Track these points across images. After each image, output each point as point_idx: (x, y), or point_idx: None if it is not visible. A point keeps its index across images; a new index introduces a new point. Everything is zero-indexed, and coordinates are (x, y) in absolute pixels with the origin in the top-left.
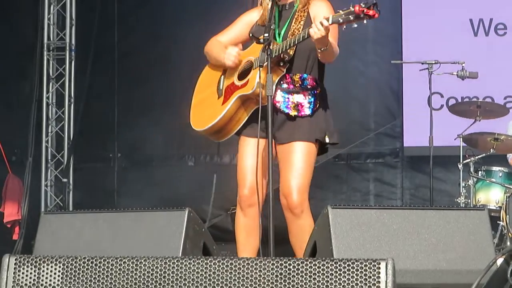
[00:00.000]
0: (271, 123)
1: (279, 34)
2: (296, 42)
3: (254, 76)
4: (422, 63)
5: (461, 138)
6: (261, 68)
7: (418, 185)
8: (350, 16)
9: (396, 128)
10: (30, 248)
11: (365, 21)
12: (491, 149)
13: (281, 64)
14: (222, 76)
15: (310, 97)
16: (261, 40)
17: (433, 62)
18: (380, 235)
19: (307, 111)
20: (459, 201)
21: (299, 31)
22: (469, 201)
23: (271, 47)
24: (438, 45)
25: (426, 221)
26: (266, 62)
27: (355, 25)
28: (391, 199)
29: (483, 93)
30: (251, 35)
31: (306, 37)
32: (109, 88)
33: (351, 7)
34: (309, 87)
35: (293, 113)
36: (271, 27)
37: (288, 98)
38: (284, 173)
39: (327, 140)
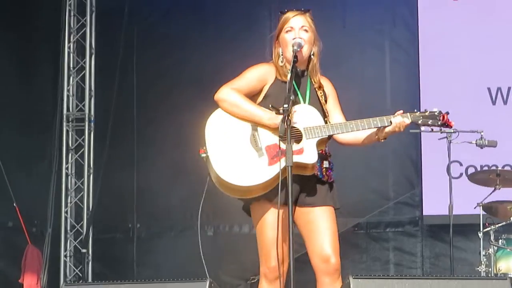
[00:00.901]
0: (291, 193)
1: (303, 99)
2: (366, 127)
3: (311, 147)
4: (441, 132)
5: (481, 207)
6: (318, 140)
7: (438, 253)
8: (430, 121)
9: (415, 197)
10: None
11: (441, 130)
12: (511, 217)
13: (330, 139)
14: (256, 132)
15: (331, 164)
16: (281, 111)
17: (452, 131)
18: None
19: (332, 177)
20: (480, 270)
21: (325, 108)
22: (490, 269)
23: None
24: (456, 114)
25: None
26: (319, 137)
27: (430, 129)
28: (411, 268)
29: (502, 161)
30: (270, 106)
31: (379, 125)
32: (128, 159)
33: (435, 112)
34: (327, 154)
35: (325, 178)
36: (291, 97)
37: (321, 164)
38: (317, 236)
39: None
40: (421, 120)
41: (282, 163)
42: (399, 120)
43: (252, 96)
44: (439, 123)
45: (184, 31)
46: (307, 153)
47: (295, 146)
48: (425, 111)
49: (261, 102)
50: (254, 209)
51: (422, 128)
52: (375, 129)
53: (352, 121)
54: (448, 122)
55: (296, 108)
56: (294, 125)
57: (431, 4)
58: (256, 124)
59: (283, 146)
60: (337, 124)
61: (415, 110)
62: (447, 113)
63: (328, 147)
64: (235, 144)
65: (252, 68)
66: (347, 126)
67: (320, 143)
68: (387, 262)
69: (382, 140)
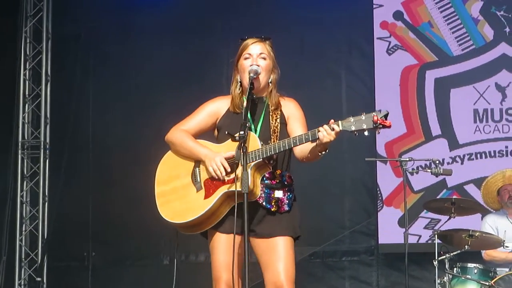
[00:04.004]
0: (250, 220)
1: (255, 129)
2: (298, 143)
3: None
4: (396, 161)
5: (436, 235)
6: (252, 167)
7: (394, 282)
8: (363, 125)
9: (371, 226)
10: None
11: (379, 131)
12: (466, 246)
13: (271, 162)
14: (197, 168)
15: (288, 193)
16: (237, 138)
17: (407, 159)
18: None
19: (286, 207)
20: None
21: (278, 129)
22: None
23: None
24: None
25: None
26: (254, 161)
27: (367, 133)
28: None
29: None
30: (226, 132)
31: (310, 139)
32: (84, 187)
33: (362, 116)
34: (286, 183)
35: (274, 209)
36: (246, 124)
37: (269, 194)
38: (272, 266)
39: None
40: (353, 126)
41: (219, 192)
42: (326, 129)
43: (207, 131)
44: (373, 125)
45: (141, 58)
46: (240, 181)
47: (229, 176)
48: (361, 114)
49: (217, 136)
50: (210, 234)
51: (366, 133)
52: (315, 143)
53: (285, 139)
54: (383, 122)
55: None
56: (231, 154)
57: (386, 33)
58: (197, 160)
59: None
60: (271, 146)
61: (351, 115)
62: (387, 113)
63: (288, 176)
64: (179, 182)
65: (203, 104)
66: (280, 145)
67: (259, 168)
68: None
69: (321, 154)
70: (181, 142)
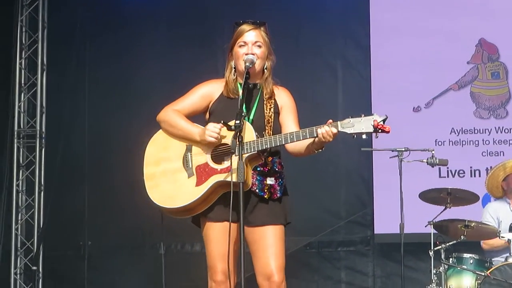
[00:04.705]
0: (243, 209)
1: (248, 117)
2: (295, 139)
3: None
4: (392, 151)
5: (432, 225)
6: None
7: (390, 273)
8: (362, 128)
9: (367, 216)
10: None
11: (377, 136)
12: (462, 236)
13: (264, 154)
14: (189, 153)
15: (280, 180)
16: (232, 127)
17: (403, 149)
18: None
19: (278, 193)
20: None
21: (272, 119)
22: None
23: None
24: (407, 132)
25: None
26: (248, 153)
27: (365, 137)
28: (363, 287)
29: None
30: (222, 122)
31: (307, 137)
32: (79, 176)
33: (361, 118)
34: (277, 170)
35: (267, 196)
36: (242, 114)
37: (262, 181)
38: (261, 255)
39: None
40: (352, 129)
41: (212, 180)
42: (325, 130)
43: (199, 114)
44: (372, 129)
45: (137, 47)
46: (235, 171)
47: (222, 165)
48: (360, 115)
49: (209, 119)
50: (202, 223)
51: (364, 136)
52: (312, 139)
53: (282, 134)
54: (382, 127)
55: (232, 124)
56: (226, 141)
57: (384, 24)
58: (191, 143)
59: (211, 164)
60: (266, 139)
61: (350, 116)
62: (386, 118)
63: (279, 163)
64: (169, 165)
65: (197, 86)
66: (276, 139)
67: (252, 159)
68: (338, 282)
69: (317, 151)
70: (174, 122)
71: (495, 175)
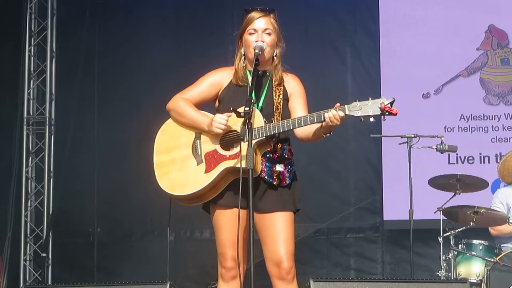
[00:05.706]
0: (252, 196)
1: (257, 104)
2: (303, 124)
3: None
4: (402, 137)
5: (441, 212)
6: (254, 144)
7: (399, 259)
8: (370, 111)
9: (376, 203)
10: None
11: (384, 118)
12: (471, 222)
13: (273, 139)
14: (198, 141)
15: (289, 166)
16: (241, 114)
17: (412, 136)
18: None
19: (287, 180)
20: (439, 275)
21: (281, 105)
22: (449, 274)
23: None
24: (416, 118)
25: None
26: (257, 139)
27: (372, 120)
28: (372, 274)
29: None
30: (232, 108)
31: (315, 121)
32: (89, 163)
33: (368, 101)
34: (286, 156)
35: (276, 182)
36: (252, 101)
37: (271, 167)
38: (270, 241)
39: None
40: (360, 112)
41: (221, 167)
42: (332, 113)
43: (209, 102)
44: (380, 112)
45: (146, 35)
46: (244, 158)
47: (231, 151)
48: (367, 98)
49: (218, 107)
50: (212, 209)
51: (372, 119)
52: (320, 124)
53: (290, 119)
54: (390, 109)
55: (241, 110)
56: (235, 128)
57: (393, 11)
58: (200, 132)
59: (220, 151)
60: (274, 124)
61: (357, 100)
62: (393, 100)
63: (288, 149)
64: (179, 153)
65: (206, 75)
66: (284, 124)
67: (260, 146)
68: (348, 268)
69: (325, 136)
70: (183, 111)
71: (509, 160)
